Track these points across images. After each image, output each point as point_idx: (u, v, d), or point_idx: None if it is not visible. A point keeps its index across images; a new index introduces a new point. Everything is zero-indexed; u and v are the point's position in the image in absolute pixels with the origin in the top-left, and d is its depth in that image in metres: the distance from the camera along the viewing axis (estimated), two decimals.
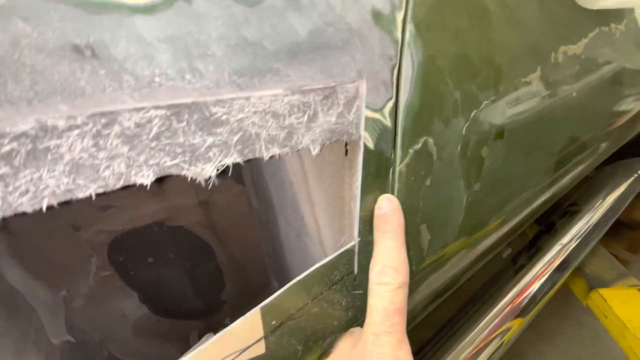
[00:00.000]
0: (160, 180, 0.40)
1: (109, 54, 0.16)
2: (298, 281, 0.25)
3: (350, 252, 0.27)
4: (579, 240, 0.91)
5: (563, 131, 0.47)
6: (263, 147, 0.22)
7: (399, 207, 0.27)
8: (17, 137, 0.14)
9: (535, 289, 0.81)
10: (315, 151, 0.24)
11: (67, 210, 0.34)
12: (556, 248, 0.86)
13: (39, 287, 0.31)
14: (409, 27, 0.27)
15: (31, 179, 0.15)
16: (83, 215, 0.33)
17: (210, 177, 0.20)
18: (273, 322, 0.24)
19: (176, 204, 0.37)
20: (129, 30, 0.17)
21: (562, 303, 1.22)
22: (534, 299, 0.80)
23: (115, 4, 0.17)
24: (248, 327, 0.23)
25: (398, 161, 0.28)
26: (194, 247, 0.40)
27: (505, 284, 0.79)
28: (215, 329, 0.23)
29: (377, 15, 0.26)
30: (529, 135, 0.41)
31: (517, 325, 0.76)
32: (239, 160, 0.21)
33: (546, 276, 0.82)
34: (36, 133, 0.15)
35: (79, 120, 0.16)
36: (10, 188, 0.15)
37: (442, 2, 0.30)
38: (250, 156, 0.21)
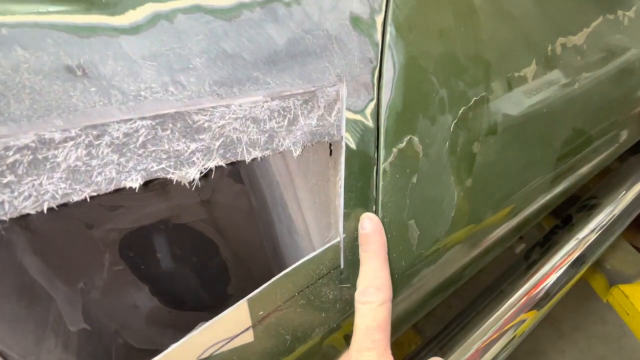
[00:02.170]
0: (162, 182, 0.43)
1: (98, 72, 0.19)
2: (284, 274, 0.27)
3: (335, 247, 0.29)
4: (597, 235, 0.88)
5: (566, 123, 0.46)
6: (244, 151, 0.23)
7: (379, 227, 0.29)
8: (19, 150, 0.17)
9: (549, 284, 0.79)
10: (296, 153, 0.25)
11: (80, 210, 0.37)
12: (572, 243, 0.83)
13: (58, 279, 0.35)
14: (389, 30, 0.28)
15: (33, 185, 0.17)
16: (95, 214, 0.36)
17: (194, 180, 0.22)
18: (260, 313, 0.26)
19: (180, 203, 0.40)
20: (116, 50, 0.19)
21: (584, 299, 1.18)
22: (547, 294, 0.79)
23: (103, 27, 0.19)
24: (236, 317, 0.25)
25: (382, 160, 0.29)
26: (198, 243, 0.43)
27: (517, 279, 0.78)
28: None
29: (355, 20, 0.27)
30: (526, 129, 0.41)
31: (531, 318, 0.75)
32: (222, 163, 0.23)
33: (560, 272, 0.80)
34: (36, 145, 0.17)
35: (72, 133, 0.18)
36: (16, 193, 0.17)
37: (424, 2, 0.30)
38: (232, 159, 0.23)
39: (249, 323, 0.25)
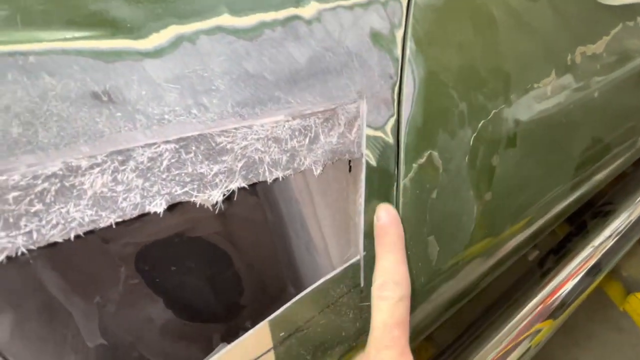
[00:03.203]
0: None
1: (123, 97, 0.18)
2: (304, 295, 0.26)
3: (355, 266, 0.28)
4: (613, 242, 0.86)
5: (585, 132, 0.46)
6: (266, 171, 0.23)
7: (397, 219, 0.27)
8: (47, 178, 0.17)
9: (564, 293, 0.77)
10: (317, 171, 0.25)
11: None
12: (587, 251, 0.81)
13: (75, 295, 0.35)
14: (409, 45, 0.28)
15: (60, 213, 0.17)
16: (111, 229, 0.36)
17: (217, 202, 0.21)
18: (281, 334, 0.25)
19: (195, 216, 0.40)
20: (140, 74, 0.19)
21: (599, 307, 1.16)
22: (563, 304, 0.77)
23: (128, 52, 0.19)
24: (257, 339, 0.24)
25: (402, 176, 0.29)
26: (212, 255, 0.43)
27: (531, 287, 0.77)
28: (236, 332, 0.25)
29: (375, 36, 0.26)
30: (545, 140, 0.40)
31: (546, 328, 0.73)
32: (244, 184, 0.22)
33: (576, 280, 0.78)
34: (63, 173, 0.17)
35: (99, 159, 0.18)
36: (44, 222, 0.17)
37: (444, 16, 0.30)
38: (254, 180, 0.23)
39: (270, 345, 0.25)
